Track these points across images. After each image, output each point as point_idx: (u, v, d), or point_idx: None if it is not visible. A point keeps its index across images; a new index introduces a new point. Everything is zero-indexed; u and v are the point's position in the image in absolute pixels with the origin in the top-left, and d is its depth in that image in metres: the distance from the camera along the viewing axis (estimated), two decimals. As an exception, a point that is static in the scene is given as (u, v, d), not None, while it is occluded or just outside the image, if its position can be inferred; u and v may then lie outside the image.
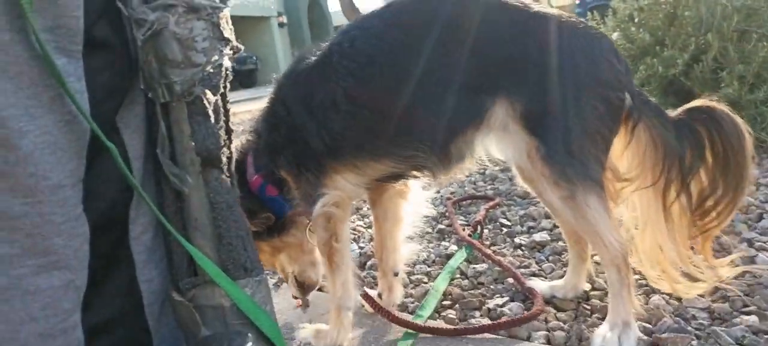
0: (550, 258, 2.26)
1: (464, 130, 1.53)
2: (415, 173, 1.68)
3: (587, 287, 1.96)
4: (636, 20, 3.79)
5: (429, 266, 2.30)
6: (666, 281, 1.68)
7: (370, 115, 1.54)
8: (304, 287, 1.95)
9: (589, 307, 1.83)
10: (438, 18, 1.51)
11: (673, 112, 1.62)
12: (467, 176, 3.52)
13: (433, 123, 1.52)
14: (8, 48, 0.79)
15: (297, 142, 1.57)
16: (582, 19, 1.66)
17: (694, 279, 1.64)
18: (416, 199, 1.92)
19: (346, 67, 1.50)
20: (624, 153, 1.61)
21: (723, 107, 1.59)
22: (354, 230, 2.86)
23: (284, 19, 27.60)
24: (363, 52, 1.53)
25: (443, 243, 2.48)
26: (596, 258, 2.12)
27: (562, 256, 2.22)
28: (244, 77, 20.51)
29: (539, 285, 1.99)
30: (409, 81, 1.49)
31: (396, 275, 1.95)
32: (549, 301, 1.92)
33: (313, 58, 1.54)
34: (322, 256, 1.67)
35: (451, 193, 3.19)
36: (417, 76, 1.49)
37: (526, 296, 1.91)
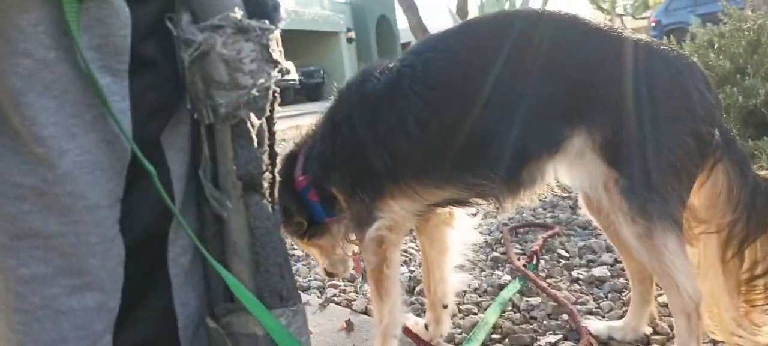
0: (610, 295, 2.14)
1: (538, 157, 1.46)
2: (478, 200, 1.61)
3: (648, 330, 1.84)
4: (716, 46, 3.60)
5: (480, 296, 2.22)
6: (722, 332, 1.56)
7: (439, 141, 1.48)
8: (331, 275, 1.98)
9: (649, 354, 1.72)
10: (514, 40, 1.44)
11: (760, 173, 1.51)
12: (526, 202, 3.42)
13: (505, 150, 1.45)
14: (53, 66, 0.78)
15: (356, 162, 1.54)
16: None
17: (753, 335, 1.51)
18: (463, 226, 1.87)
19: (418, 93, 1.46)
20: (699, 191, 1.49)
21: None
22: (404, 252, 2.81)
23: (353, 34, 28.08)
24: (436, 77, 1.48)
25: (496, 272, 2.40)
26: (660, 299, 1.99)
27: (623, 294, 2.10)
28: (311, 90, 21.00)
29: (596, 325, 1.89)
30: (483, 106, 1.42)
31: (445, 307, 1.89)
32: (606, 342, 1.81)
33: (384, 79, 1.50)
34: (371, 280, 1.64)
35: (508, 219, 3.09)
36: (491, 102, 1.42)
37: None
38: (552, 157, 1.46)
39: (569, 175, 1.50)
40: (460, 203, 1.64)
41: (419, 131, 1.46)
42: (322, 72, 22.64)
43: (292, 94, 18.62)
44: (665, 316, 1.93)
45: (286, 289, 1.00)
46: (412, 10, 9.94)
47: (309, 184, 1.62)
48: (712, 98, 1.45)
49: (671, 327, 1.84)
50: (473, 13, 10.28)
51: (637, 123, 1.39)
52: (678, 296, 1.44)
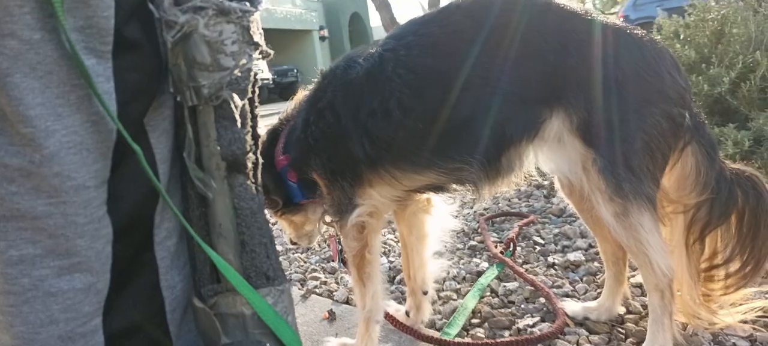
0: (584, 278, 2.19)
1: (518, 141, 1.48)
2: (456, 186, 1.63)
3: (622, 310, 1.89)
4: (681, 37, 3.70)
5: (458, 283, 2.25)
6: (684, 313, 1.61)
7: (420, 126, 1.49)
8: (294, 244, 2.01)
9: (623, 331, 1.77)
10: (494, 24, 1.46)
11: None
12: (501, 193, 3.46)
13: (484, 134, 1.47)
14: (38, 47, 0.79)
15: (337, 148, 1.55)
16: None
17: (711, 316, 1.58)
18: (440, 213, 1.88)
19: (401, 77, 1.47)
20: (669, 173, 1.53)
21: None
22: (384, 243, 2.83)
23: (325, 32, 27.99)
24: (418, 61, 1.49)
25: (474, 260, 2.43)
26: (633, 280, 2.05)
27: (597, 277, 2.15)
28: (285, 89, 20.79)
29: (572, 306, 1.93)
30: (462, 90, 1.44)
31: (425, 293, 1.91)
32: (582, 323, 1.86)
33: (366, 64, 1.51)
34: (353, 266, 1.65)
35: (485, 209, 3.14)
36: (470, 85, 1.44)
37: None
38: (531, 141, 1.49)
39: (548, 158, 1.53)
40: (439, 189, 1.65)
41: (401, 115, 1.47)
42: (295, 70, 22.50)
43: (265, 93, 18.47)
44: (638, 296, 1.98)
45: (272, 269, 1.01)
46: (384, 7, 9.97)
47: (288, 165, 1.64)
48: (682, 81, 1.49)
49: (644, 306, 1.89)
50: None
51: (612, 104, 1.42)
52: (652, 272, 1.47)
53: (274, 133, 1.69)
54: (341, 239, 1.70)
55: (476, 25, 1.48)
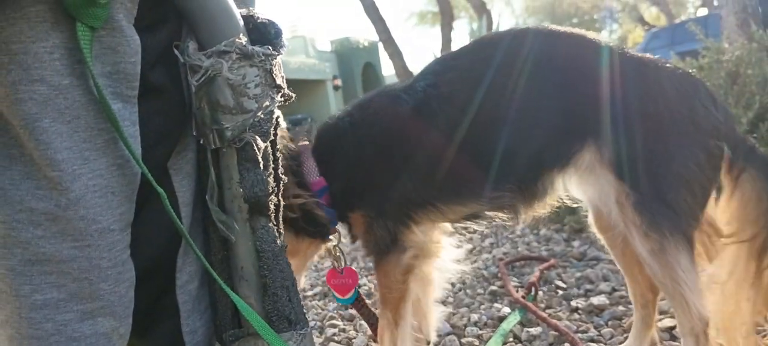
0: (610, 323, 2.14)
1: (551, 169, 1.50)
2: (496, 213, 1.64)
3: (649, 354, 1.84)
4: (696, 78, 3.69)
5: (480, 329, 2.21)
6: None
7: (467, 159, 1.51)
8: None
9: (653, 377, 1.72)
10: (527, 57, 1.47)
11: None
12: (520, 236, 3.43)
13: (523, 164, 1.50)
14: (67, 92, 0.80)
15: (380, 186, 1.53)
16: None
17: None
18: (446, 258, 1.84)
19: (446, 113, 1.50)
20: (727, 204, 1.48)
21: None
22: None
23: (339, 82, 28.42)
24: (461, 96, 1.51)
25: (495, 305, 2.39)
26: (660, 324, 2.00)
27: (623, 320, 2.10)
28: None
29: None
30: (506, 122, 1.47)
31: (428, 343, 1.87)
32: (609, 367, 1.81)
33: (411, 100, 1.52)
34: (389, 308, 1.60)
35: (504, 253, 3.10)
36: (513, 117, 1.47)
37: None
38: (564, 171, 1.49)
39: (580, 187, 1.54)
40: (476, 217, 1.66)
41: (450, 150, 1.49)
42: (309, 119, 22.77)
43: (281, 141, 18.65)
44: (666, 341, 1.93)
45: (294, 313, 1.00)
46: (397, 56, 10.14)
47: (326, 189, 1.57)
48: (719, 114, 1.45)
49: (673, 350, 1.84)
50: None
51: (644, 138, 1.40)
52: (688, 315, 1.41)
53: (302, 150, 1.61)
54: (380, 279, 1.62)
55: (511, 58, 1.50)
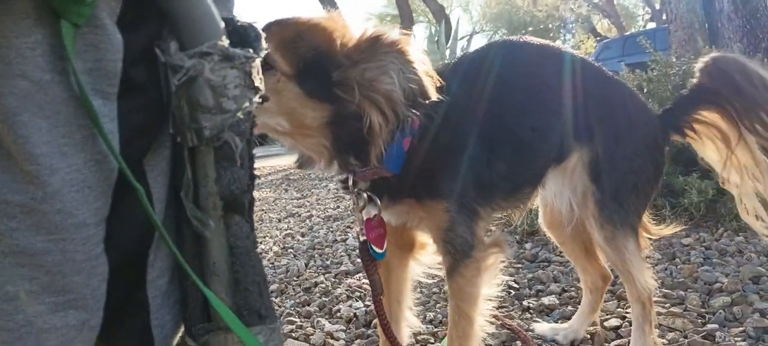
0: (559, 322, 2.23)
1: (552, 167, 1.71)
2: (515, 209, 1.85)
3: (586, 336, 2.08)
4: (645, 91, 3.86)
5: (436, 327, 2.27)
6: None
7: (523, 152, 1.65)
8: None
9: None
10: (553, 68, 1.69)
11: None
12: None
13: (542, 161, 1.70)
14: (47, 88, 0.81)
15: (471, 177, 1.51)
16: None
17: None
18: (424, 262, 1.86)
19: (514, 102, 1.64)
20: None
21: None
22: (359, 287, 2.84)
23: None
24: (518, 98, 1.65)
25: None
26: (607, 323, 2.10)
27: (570, 320, 2.19)
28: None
29: (542, 326, 2.13)
30: (544, 121, 1.66)
31: None
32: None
33: (480, 86, 1.57)
34: (472, 306, 1.56)
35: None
36: (548, 118, 1.67)
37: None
38: (556, 169, 1.70)
39: (556, 184, 1.73)
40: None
41: (523, 145, 1.63)
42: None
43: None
44: (612, 340, 2.04)
45: (264, 307, 1.02)
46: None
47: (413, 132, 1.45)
48: (659, 129, 1.78)
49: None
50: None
51: (619, 149, 1.67)
52: (635, 287, 1.73)
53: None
54: (459, 282, 1.54)
55: (539, 64, 1.71)
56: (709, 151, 1.80)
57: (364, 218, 1.53)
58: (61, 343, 0.87)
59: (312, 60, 1.32)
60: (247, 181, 1.00)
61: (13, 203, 0.81)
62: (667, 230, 1.96)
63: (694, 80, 1.83)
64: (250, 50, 0.95)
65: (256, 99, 0.97)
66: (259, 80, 0.97)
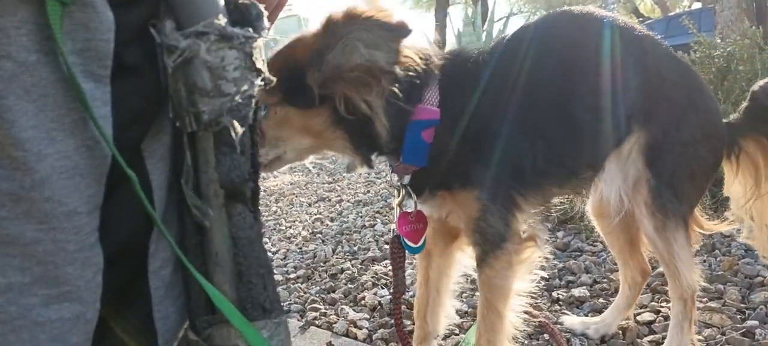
0: (589, 315, 2.15)
1: (611, 152, 1.60)
2: (575, 194, 1.74)
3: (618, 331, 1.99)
4: (687, 73, 3.69)
5: (461, 317, 2.20)
6: None
7: (578, 135, 1.54)
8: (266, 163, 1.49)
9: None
10: (607, 41, 1.55)
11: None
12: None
13: (604, 142, 1.58)
14: (34, 69, 0.77)
15: (506, 158, 1.42)
16: None
17: None
18: (467, 252, 1.79)
19: (564, 81, 1.51)
20: (735, 180, 1.74)
21: None
22: (386, 275, 2.79)
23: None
24: (565, 78, 1.52)
25: (477, 294, 2.39)
26: (639, 318, 2.01)
27: (603, 313, 2.11)
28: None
29: (571, 320, 2.01)
30: (598, 100, 1.51)
31: (436, 337, 1.86)
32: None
33: (529, 70, 1.45)
34: (502, 301, 1.53)
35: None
36: (601, 96, 1.52)
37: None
38: (614, 153, 1.60)
39: (611, 170, 1.62)
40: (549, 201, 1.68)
41: (561, 126, 1.51)
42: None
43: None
44: (644, 335, 1.94)
45: (268, 301, 0.98)
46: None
47: (431, 122, 1.38)
48: (720, 119, 1.68)
49: (650, 343, 1.86)
50: (450, 41, 10.39)
51: (679, 136, 1.56)
52: (679, 283, 1.64)
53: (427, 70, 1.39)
54: (490, 275, 1.50)
55: (588, 36, 1.56)
56: (736, 183, 1.70)
57: (399, 212, 1.54)
58: (55, 336, 0.84)
59: (293, 76, 1.31)
60: (250, 169, 0.95)
61: (1, 190, 0.78)
62: (722, 225, 1.79)
63: (745, 103, 1.75)
64: (251, 30, 0.89)
65: (259, 82, 0.92)
66: (261, 62, 0.92)
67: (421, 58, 1.31)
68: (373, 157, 1.45)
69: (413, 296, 2.09)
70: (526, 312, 2.04)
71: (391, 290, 2.56)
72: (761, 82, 1.71)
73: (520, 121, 1.43)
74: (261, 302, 0.97)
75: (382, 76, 1.26)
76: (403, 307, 2.31)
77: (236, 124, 0.90)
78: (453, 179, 1.45)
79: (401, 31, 1.21)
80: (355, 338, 2.18)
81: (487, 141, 1.42)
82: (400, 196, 1.52)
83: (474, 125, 1.40)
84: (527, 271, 1.55)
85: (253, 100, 0.93)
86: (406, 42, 1.25)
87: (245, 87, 0.90)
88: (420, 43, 1.41)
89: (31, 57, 0.76)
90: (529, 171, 1.45)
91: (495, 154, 1.42)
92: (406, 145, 1.39)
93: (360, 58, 1.23)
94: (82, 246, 0.83)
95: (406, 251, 1.59)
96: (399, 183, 1.50)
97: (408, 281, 2.56)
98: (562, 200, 1.90)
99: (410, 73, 1.29)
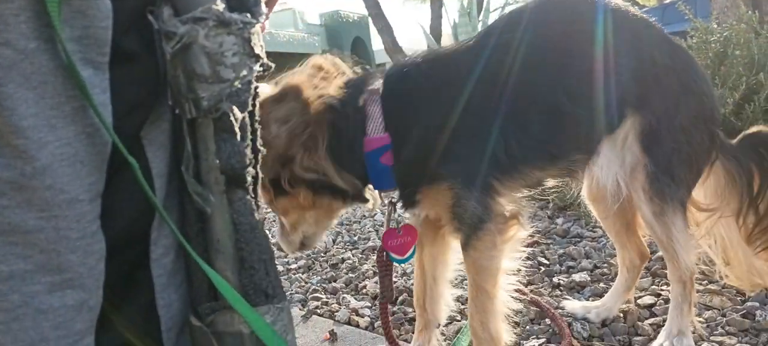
0: (590, 299, 2.15)
1: (603, 137, 1.58)
2: (567, 177, 1.71)
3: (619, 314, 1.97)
4: (684, 58, 3.69)
5: (463, 304, 2.21)
6: (740, 281, 1.83)
7: (559, 119, 1.52)
8: (298, 246, 1.68)
9: (632, 354, 1.76)
10: (598, 25, 1.53)
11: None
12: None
13: (594, 127, 1.56)
14: (33, 57, 0.77)
15: (477, 148, 1.44)
16: None
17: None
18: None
19: (545, 66, 1.50)
20: (703, 186, 1.71)
21: None
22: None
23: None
24: (539, 56, 1.50)
25: (478, 280, 2.40)
26: (640, 301, 2.02)
27: (603, 297, 2.11)
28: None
29: (572, 304, 2.00)
30: (585, 85, 1.50)
31: (437, 326, 1.86)
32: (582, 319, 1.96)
33: (503, 58, 1.45)
34: (490, 282, 1.52)
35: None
36: (590, 80, 1.50)
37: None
38: (609, 137, 1.58)
39: (607, 156, 1.61)
40: (539, 184, 1.66)
41: (537, 105, 1.50)
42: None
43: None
44: (645, 318, 1.95)
45: (271, 286, 0.98)
46: (386, 31, 10.02)
47: (384, 147, 1.45)
48: (716, 105, 1.67)
49: (652, 326, 1.87)
50: (446, 32, 10.35)
51: (674, 120, 1.55)
52: (677, 266, 1.65)
53: (356, 92, 1.48)
54: (474, 256, 1.51)
55: (578, 21, 1.54)
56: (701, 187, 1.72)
57: (387, 228, 1.65)
58: (59, 323, 0.85)
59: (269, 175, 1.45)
60: (250, 155, 0.95)
61: (2, 179, 0.78)
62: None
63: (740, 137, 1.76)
64: (249, 15, 0.89)
65: (257, 67, 0.92)
66: (259, 47, 0.92)
67: (343, 96, 1.43)
68: (365, 195, 1.58)
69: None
70: (526, 297, 2.06)
71: (395, 277, 2.58)
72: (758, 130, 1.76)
73: (488, 111, 1.44)
74: (263, 287, 0.98)
75: (299, 141, 1.41)
76: (405, 295, 2.32)
77: (236, 109, 0.90)
78: (425, 181, 1.49)
79: (286, 95, 1.38)
80: (357, 325, 2.18)
81: (451, 138, 1.44)
82: (387, 212, 1.64)
83: (430, 130, 1.44)
84: (513, 249, 1.54)
85: (253, 86, 0.93)
86: (291, 102, 1.40)
87: (244, 73, 0.90)
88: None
89: (30, 44, 0.76)
90: (503, 156, 1.45)
91: (461, 148, 1.44)
92: (370, 176, 1.49)
93: (271, 135, 1.37)
94: (84, 234, 0.84)
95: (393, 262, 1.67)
96: (389, 201, 1.62)
97: (408, 269, 2.57)
98: (558, 184, 1.87)
99: (342, 118, 1.42)
